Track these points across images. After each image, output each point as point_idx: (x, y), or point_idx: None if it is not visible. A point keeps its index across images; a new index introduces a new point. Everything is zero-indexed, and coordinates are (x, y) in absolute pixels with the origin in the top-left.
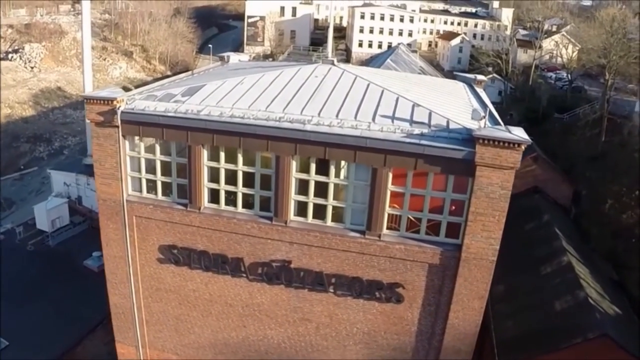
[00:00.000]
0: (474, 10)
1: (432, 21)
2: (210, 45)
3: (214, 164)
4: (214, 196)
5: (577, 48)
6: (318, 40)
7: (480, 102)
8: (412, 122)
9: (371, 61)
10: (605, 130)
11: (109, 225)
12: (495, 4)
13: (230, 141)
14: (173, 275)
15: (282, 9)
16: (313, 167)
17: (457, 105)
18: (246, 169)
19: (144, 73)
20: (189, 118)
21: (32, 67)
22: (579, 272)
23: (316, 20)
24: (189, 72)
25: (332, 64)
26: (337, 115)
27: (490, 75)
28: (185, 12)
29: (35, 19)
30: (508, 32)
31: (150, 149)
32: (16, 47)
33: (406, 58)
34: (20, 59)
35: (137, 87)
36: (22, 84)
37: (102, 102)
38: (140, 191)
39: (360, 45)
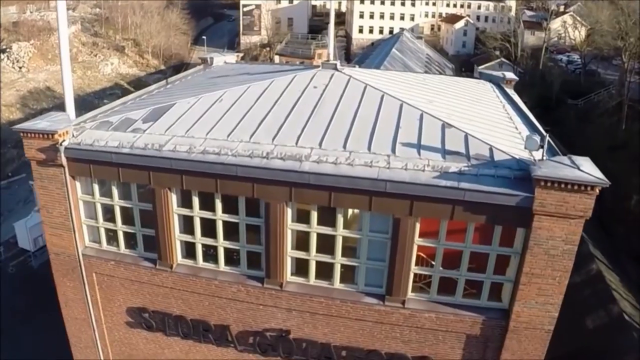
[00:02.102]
0: None
1: (434, 4)
2: (204, 37)
3: (186, 212)
4: (189, 250)
5: (587, 28)
6: (316, 27)
7: (518, 112)
8: (444, 152)
9: (374, 49)
10: (626, 118)
11: (65, 283)
12: None
13: (204, 184)
14: (146, 342)
15: None
16: (315, 215)
17: (495, 121)
18: (227, 217)
19: (136, 68)
20: (149, 156)
21: (20, 67)
22: (610, 282)
23: (314, 7)
24: (163, 82)
25: (335, 68)
26: (344, 146)
27: (498, 60)
28: (178, 2)
29: (23, 17)
30: (513, 13)
31: (107, 192)
32: (4, 47)
33: (412, 46)
34: (8, 59)
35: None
36: (9, 86)
37: (41, 135)
38: (99, 242)
39: (361, 31)
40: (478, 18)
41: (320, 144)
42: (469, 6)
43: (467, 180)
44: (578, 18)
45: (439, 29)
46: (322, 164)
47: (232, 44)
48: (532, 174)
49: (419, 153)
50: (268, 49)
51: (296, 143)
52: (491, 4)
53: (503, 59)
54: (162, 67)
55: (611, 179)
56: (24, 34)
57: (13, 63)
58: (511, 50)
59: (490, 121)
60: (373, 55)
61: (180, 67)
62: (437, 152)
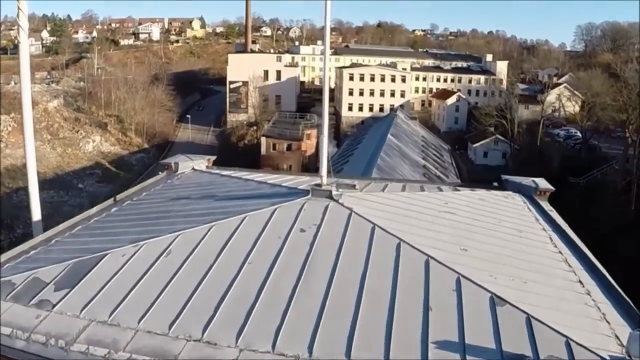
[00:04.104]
0: (466, 64)
1: (424, 79)
2: (189, 116)
3: None
4: None
5: (582, 100)
6: (305, 105)
7: (570, 247)
8: (502, 356)
9: (366, 131)
10: (636, 197)
11: None
12: (489, 57)
13: None
14: None
15: (266, 72)
16: None
17: (552, 274)
18: None
19: (119, 146)
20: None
21: None
22: None
23: (302, 83)
24: (110, 201)
25: (330, 197)
26: (348, 352)
27: (494, 137)
28: (164, 78)
29: (6, 88)
30: (504, 86)
31: None
32: None
33: (406, 128)
34: None
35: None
36: None
37: None
38: None
39: (350, 108)
40: (469, 92)
41: (310, 349)
42: (459, 80)
43: None
44: (572, 89)
45: (429, 104)
46: None
47: (219, 122)
48: None
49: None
50: (255, 127)
51: (273, 347)
52: (482, 77)
53: (499, 136)
54: (146, 146)
55: (626, 267)
56: (4, 106)
57: None
58: (507, 127)
59: (547, 276)
60: (366, 139)
61: (164, 145)
62: (493, 356)
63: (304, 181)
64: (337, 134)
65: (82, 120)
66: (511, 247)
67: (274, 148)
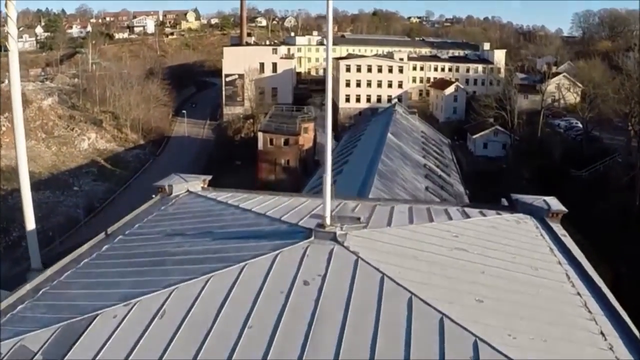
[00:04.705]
0: (463, 53)
1: (422, 68)
2: (184, 111)
3: None
4: None
5: (581, 90)
6: (301, 96)
7: (585, 281)
8: None
9: (365, 126)
10: None
11: None
12: (486, 46)
13: None
14: None
15: (262, 65)
16: None
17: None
18: None
19: (114, 143)
20: None
21: None
22: None
23: (298, 74)
24: (102, 235)
25: (334, 239)
26: None
27: (493, 128)
28: (159, 72)
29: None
30: (502, 75)
31: None
32: None
33: (406, 124)
34: None
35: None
36: None
37: None
38: None
39: (348, 100)
40: (467, 81)
41: None
42: (457, 69)
43: None
44: (573, 80)
45: (427, 94)
46: None
47: (215, 115)
48: None
49: None
50: (251, 120)
51: None
52: (480, 67)
53: (498, 127)
54: (142, 142)
55: (633, 266)
56: None
57: None
58: (507, 118)
59: (568, 329)
60: (365, 136)
61: (160, 141)
62: None
63: (304, 208)
64: (335, 126)
65: (77, 117)
66: (528, 292)
67: (271, 143)
